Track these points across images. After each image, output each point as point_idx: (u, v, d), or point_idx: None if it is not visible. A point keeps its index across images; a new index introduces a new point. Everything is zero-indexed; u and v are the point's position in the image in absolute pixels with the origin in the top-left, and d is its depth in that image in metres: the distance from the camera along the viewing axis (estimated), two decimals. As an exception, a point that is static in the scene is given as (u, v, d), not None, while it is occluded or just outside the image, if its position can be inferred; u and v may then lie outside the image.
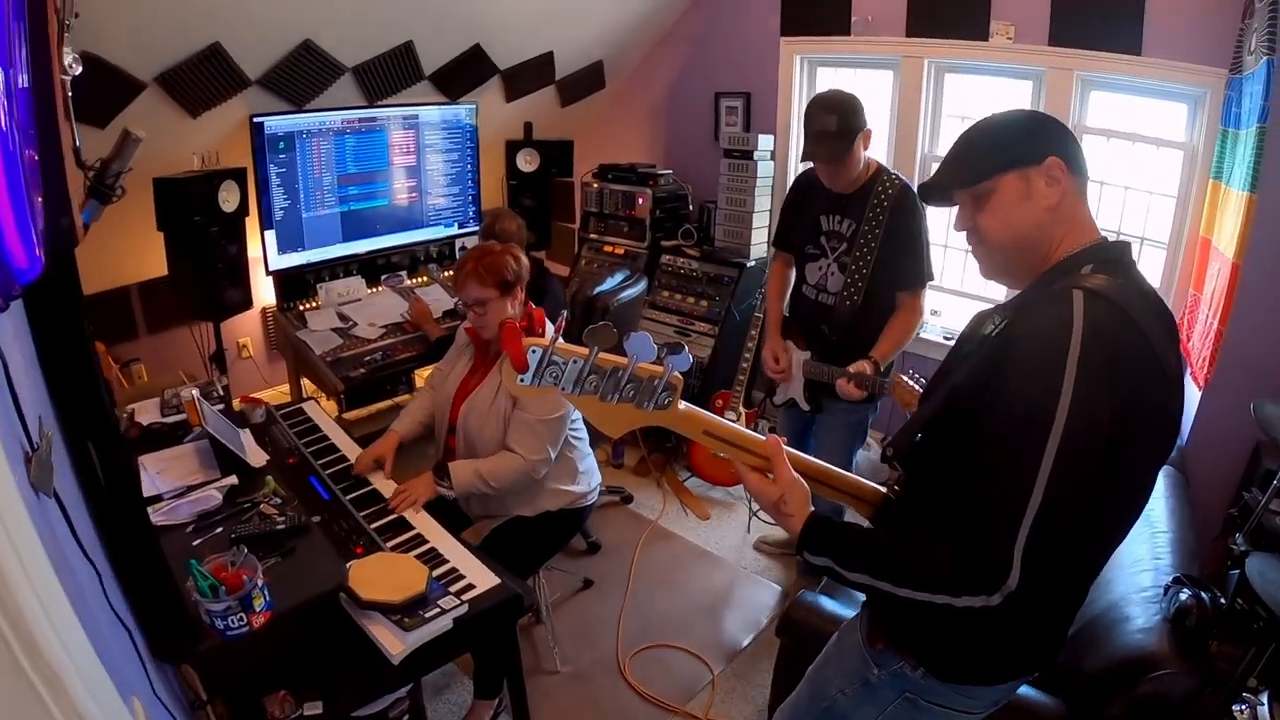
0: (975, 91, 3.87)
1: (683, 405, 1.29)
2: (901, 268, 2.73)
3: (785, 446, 1.36)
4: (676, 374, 1.24)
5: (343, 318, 3.89)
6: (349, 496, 2.48)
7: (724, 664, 3.05)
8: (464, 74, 4.25)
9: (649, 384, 1.23)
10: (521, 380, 1.23)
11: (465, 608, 2.04)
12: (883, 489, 1.46)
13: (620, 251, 4.64)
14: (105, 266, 3.72)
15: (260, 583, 1.84)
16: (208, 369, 3.69)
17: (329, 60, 3.69)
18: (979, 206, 1.35)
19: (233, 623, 1.81)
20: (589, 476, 2.81)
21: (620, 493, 4.07)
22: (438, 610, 2.01)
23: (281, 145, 3.68)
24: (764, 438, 1.37)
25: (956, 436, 1.29)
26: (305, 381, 3.97)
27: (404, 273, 4.31)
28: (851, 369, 2.69)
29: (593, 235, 4.79)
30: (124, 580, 1.60)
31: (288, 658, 1.97)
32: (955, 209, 1.43)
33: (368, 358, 3.64)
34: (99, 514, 1.52)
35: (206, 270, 3.42)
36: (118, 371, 3.63)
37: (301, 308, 3.93)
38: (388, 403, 4.10)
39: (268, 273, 3.81)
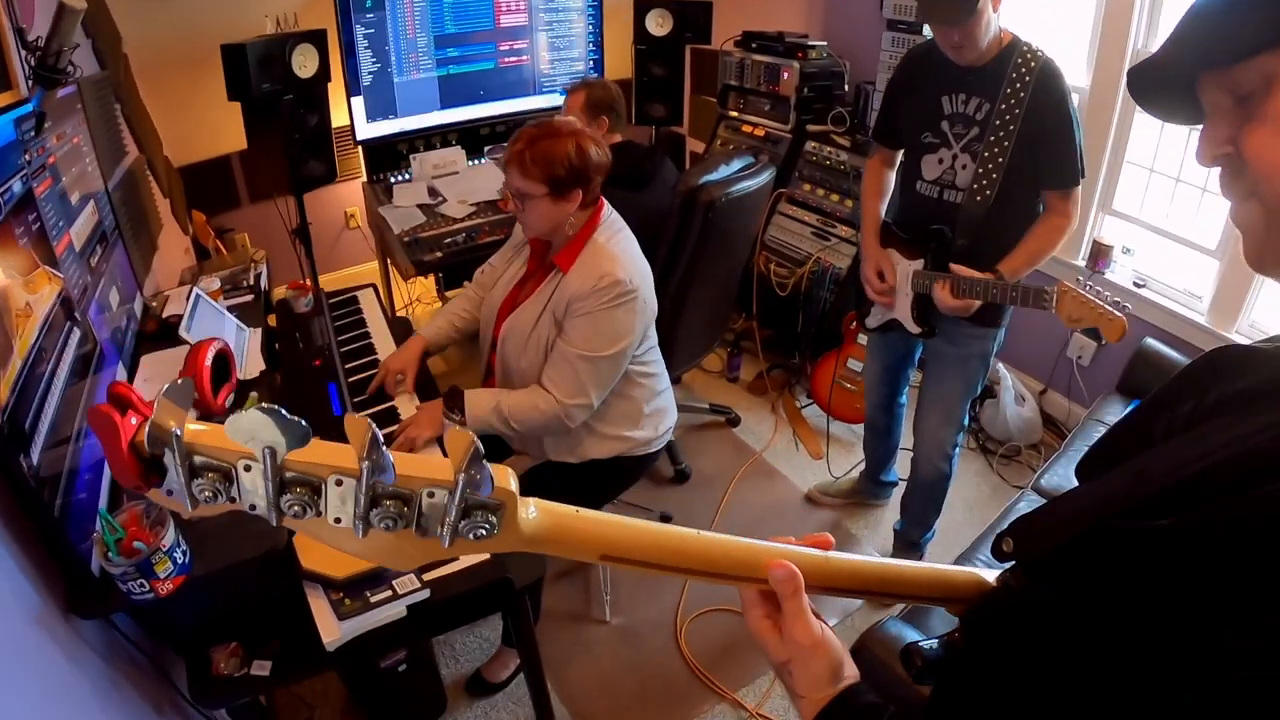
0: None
1: (533, 511, 0.69)
2: (1047, 161, 2.17)
3: (828, 555, 0.78)
4: (482, 497, 0.63)
5: (432, 193, 3.55)
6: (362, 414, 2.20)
7: (795, 649, 2.61)
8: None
9: (431, 503, 0.63)
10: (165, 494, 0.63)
11: (427, 592, 1.70)
12: (989, 577, 0.82)
13: (760, 133, 3.97)
14: (202, 136, 3.63)
15: (166, 547, 1.57)
16: (293, 244, 3.52)
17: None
18: (1248, 114, 0.65)
19: (134, 588, 1.56)
20: (659, 419, 2.36)
21: (726, 413, 3.62)
22: (389, 593, 1.69)
23: (369, 3, 3.32)
24: (770, 548, 0.76)
25: (1135, 565, 0.62)
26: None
27: (509, 144, 3.90)
28: (954, 268, 2.16)
29: (731, 113, 4.12)
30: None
31: (226, 618, 1.75)
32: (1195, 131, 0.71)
33: (448, 240, 3.27)
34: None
35: (285, 142, 3.17)
36: (214, 240, 3.52)
37: (391, 180, 3.63)
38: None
39: (355, 142, 3.52)
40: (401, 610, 1.68)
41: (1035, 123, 2.12)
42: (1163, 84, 0.72)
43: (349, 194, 4.03)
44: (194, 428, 0.60)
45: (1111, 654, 0.62)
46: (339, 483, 0.61)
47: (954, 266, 2.18)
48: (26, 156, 1.74)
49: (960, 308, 2.18)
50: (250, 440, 0.58)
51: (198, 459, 0.60)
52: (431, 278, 3.46)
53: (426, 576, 1.73)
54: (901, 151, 2.48)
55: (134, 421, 0.61)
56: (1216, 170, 0.68)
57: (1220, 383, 0.70)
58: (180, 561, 1.61)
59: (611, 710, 2.47)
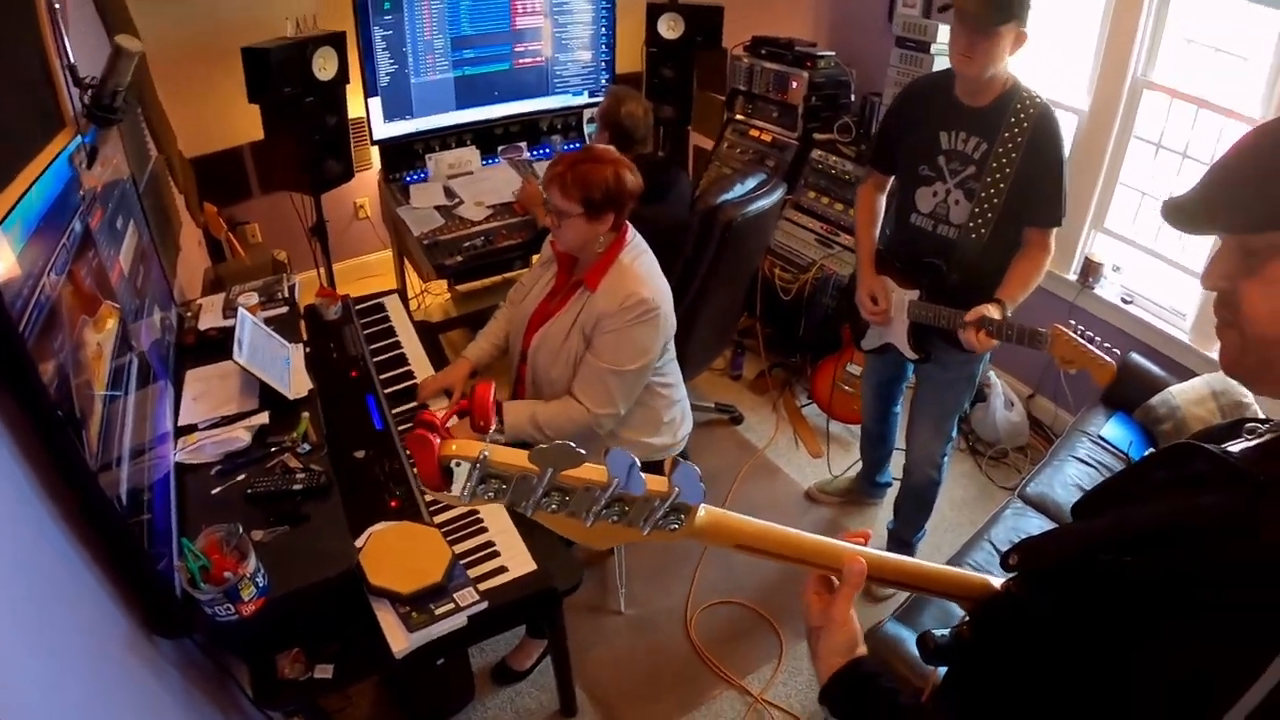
0: (1210, 14, 2.98)
1: (703, 512, 0.91)
2: (1037, 202, 2.28)
3: (883, 553, 1.01)
4: (686, 502, 0.87)
5: (448, 193, 3.63)
6: (401, 428, 2.32)
7: (798, 641, 2.79)
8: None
9: (645, 505, 0.87)
10: (449, 495, 0.87)
11: (484, 604, 1.87)
12: (996, 582, 1.03)
13: (767, 138, 4.06)
14: (214, 128, 3.65)
15: (249, 573, 1.69)
16: (308, 240, 3.57)
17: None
18: (1249, 268, 0.80)
19: (220, 611, 1.69)
20: (676, 427, 2.52)
21: (730, 411, 3.77)
22: (451, 606, 1.86)
23: (387, 5, 3.35)
24: (848, 546, 1.00)
25: (1106, 588, 0.85)
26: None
27: (524, 144, 3.97)
28: (973, 314, 2.24)
29: (739, 117, 4.20)
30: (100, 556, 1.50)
31: (293, 629, 1.88)
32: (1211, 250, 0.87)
33: (467, 243, 3.37)
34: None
35: (303, 143, 3.23)
36: (227, 234, 3.57)
37: (406, 179, 3.70)
38: (498, 278, 3.88)
39: (372, 142, 3.58)
40: (463, 621, 1.84)
41: (1031, 165, 2.23)
42: (1184, 217, 0.86)
43: (359, 186, 4.06)
44: (492, 448, 0.82)
45: (1087, 651, 0.83)
46: (588, 490, 0.84)
47: (972, 313, 2.25)
48: (81, 193, 1.76)
49: (987, 346, 2.26)
50: (547, 466, 0.80)
51: (489, 470, 0.82)
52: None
53: (482, 587, 1.90)
54: (893, 178, 2.59)
55: (438, 441, 0.83)
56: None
57: (1187, 465, 0.87)
58: (261, 585, 1.74)
59: (627, 695, 2.63)
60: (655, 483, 0.84)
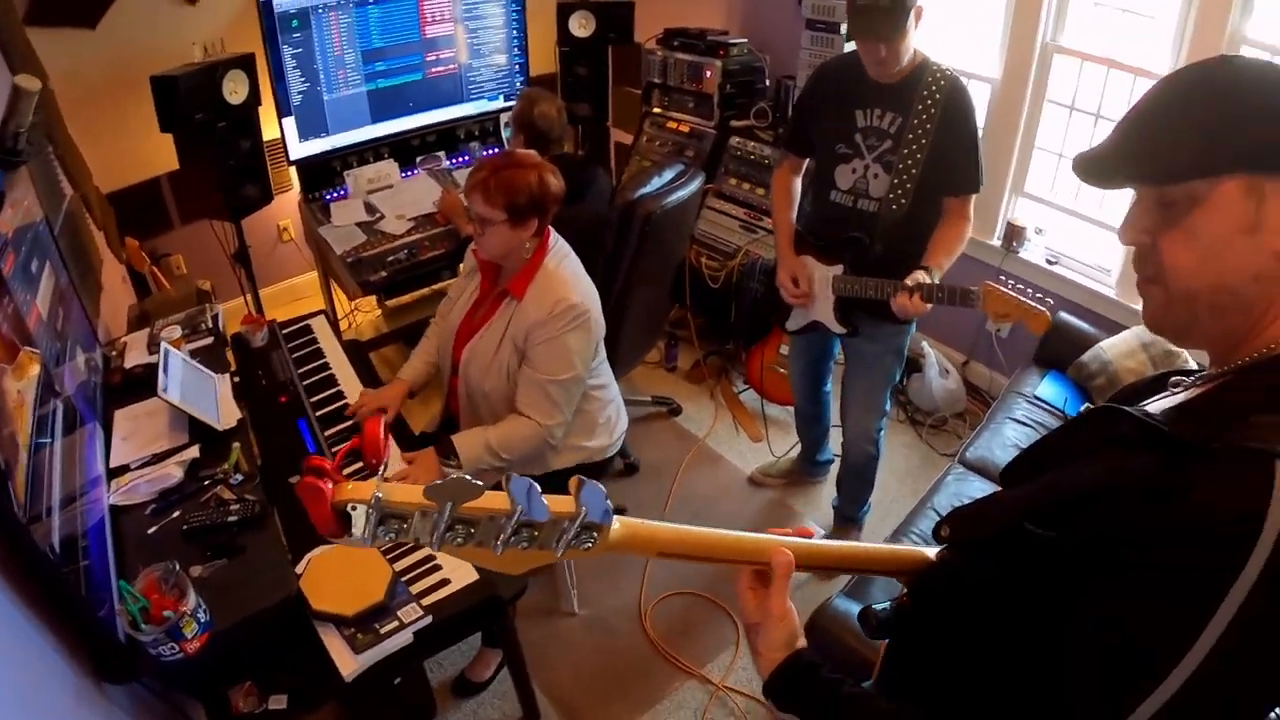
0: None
1: (617, 525, 0.88)
2: (954, 171, 2.36)
3: (812, 541, 1.01)
4: (594, 520, 0.84)
5: (369, 209, 3.60)
6: (335, 449, 2.32)
7: (752, 624, 2.83)
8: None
9: (554, 527, 0.84)
10: (350, 540, 0.83)
11: (429, 618, 1.88)
12: (930, 553, 1.04)
13: (686, 129, 4.11)
14: (130, 161, 3.60)
15: (189, 610, 1.69)
16: (232, 267, 3.53)
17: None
18: (1169, 220, 0.80)
19: (165, 651, 1.68)
20: (612, 426, 2.54)
21: (668, 404, 3.81)
22: (395, 624, 1.87)
23: (295, 24, 3.30)
24: (772, 539, 0.99)
25: (1040, 554, 0.84)
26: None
27: (441, 153, 3.96)
28: (910, 281, 2.29)
29: (656, 110, 4.25)
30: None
31: (242, 662, 1.88)
32: (1128, 205, 0.86)
33: (390, 258, 3.35)
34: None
35: (219, 169, 3.19)
36: (151, 268, 3.51)
37: (326, 197, 3.66)
38: (426, 290, 3.86)
39: (289, 162, 3.55)
40: (409, 637, 1.85)
41: (946, 136, 2.30)
42: (1098, 172, 0.87)
43: (281, 208, 4.02)
44: (386, 488, 0.79)
45: (1022, 614, 0.85)
46: (492, 519, 0.81)
47: (915, 274, 2.30)
48: (-9, 240, 1.72)
49: (921, 311, 2.30)
50: (445, 501, 0.78)
51: (386, 510, 0.80)
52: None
53: (425, 602, 1.91)
54: (808, 160, 2.65)
55: (330, 486, 0.80)
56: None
57: (1113, 426, 0.86)
58: (204, 620, 1.74)
59: (588, 696, 2.65)
60: (560, 504, 0.83)
